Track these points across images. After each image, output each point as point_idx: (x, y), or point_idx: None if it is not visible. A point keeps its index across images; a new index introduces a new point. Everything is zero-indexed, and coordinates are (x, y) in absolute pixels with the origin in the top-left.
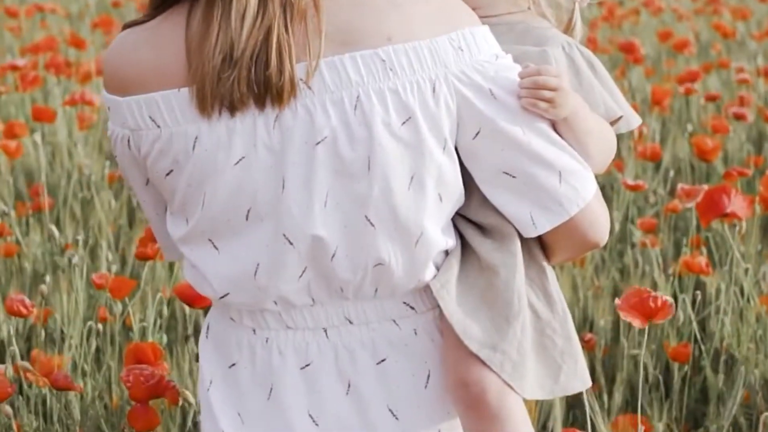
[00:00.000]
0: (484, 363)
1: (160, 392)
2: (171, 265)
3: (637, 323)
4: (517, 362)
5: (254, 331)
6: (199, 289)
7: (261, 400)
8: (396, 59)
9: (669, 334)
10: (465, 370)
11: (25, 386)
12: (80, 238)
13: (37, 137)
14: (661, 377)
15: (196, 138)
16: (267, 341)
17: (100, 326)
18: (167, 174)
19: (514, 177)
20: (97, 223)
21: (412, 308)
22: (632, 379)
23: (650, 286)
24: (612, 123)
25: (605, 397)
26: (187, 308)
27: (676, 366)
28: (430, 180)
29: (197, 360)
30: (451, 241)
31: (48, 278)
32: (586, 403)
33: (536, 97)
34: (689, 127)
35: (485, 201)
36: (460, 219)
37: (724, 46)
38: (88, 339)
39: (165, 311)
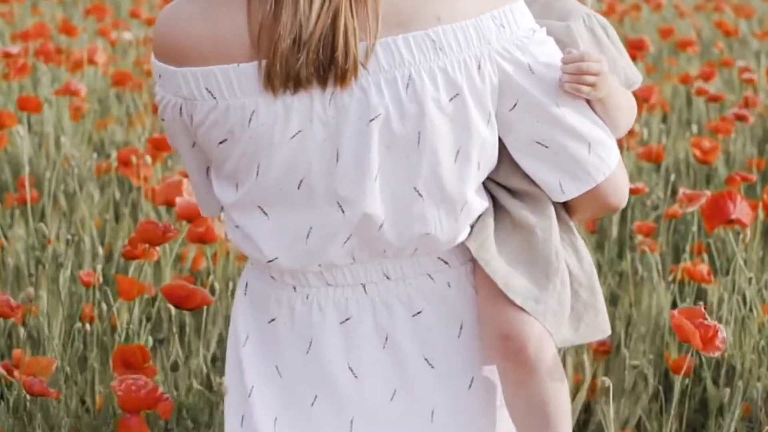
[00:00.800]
0: (522, 315)
1: (152, 404)
2: (158, 263)
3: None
4: (557, 312)
5: (294, 288)
6: (245, 251)
7: (300, 354)
8: (445, 39)
9: (669, 343)
10: (504, 323)
11: (4, 388)
12: (63, 233)
13: (21, 128)
14: (661, 387)
15: (254, 112)
16: (307, 298)
17: (87, 326)
18: (220, 142)
19: (546, 147)
20: (80, 218)
21: (446, 263)
22: (635, 389)
23: (649, 294)
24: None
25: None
26: (172, 308)
27: (676, 377)
28: (474, 152)
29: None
30: (485, 203)
31: (32, 274)
32: (599, 413)
33: (580, 82)
34: (694, 128)
35: (515, 166)
36: (490, 182)
37: (725, 44)
38: (72, 341)
39: (152, 312)
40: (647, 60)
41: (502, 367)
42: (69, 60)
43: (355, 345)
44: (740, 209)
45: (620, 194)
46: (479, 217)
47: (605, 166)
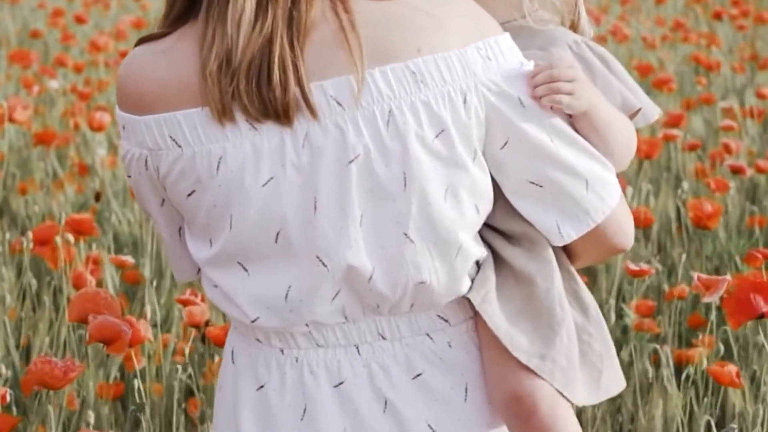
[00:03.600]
0: (534, 374)
1: None
2: None
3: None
4: (567, 369)
5: (282, 351)
6: (227, 311)
7: (294, 421)
8: (426, 71)
9: None
10: (515, 383)
11: None
12: None
13: None
14: None
15: (221, 158)
16: (297, 360)
17: None
18: (189, 194)
19: (540, 186)
20: None
21: (446, 321)
22: None
23: (660, 394)
24: (630, 117)
25: None
26: None
27: None
28: (464, 191)
29: None
30: (483, 251)
31: None
32: None
33: (555, 91)
34: (685, 186)
35: (511, 208)
36: (485, 229)
37: (704, 77)
38: None
39: None
40: None
41: (515, 429)
42: None
43: (352, 410)
44: None
45: (624, 234)
46: (479, 270)
47: (605, 206)
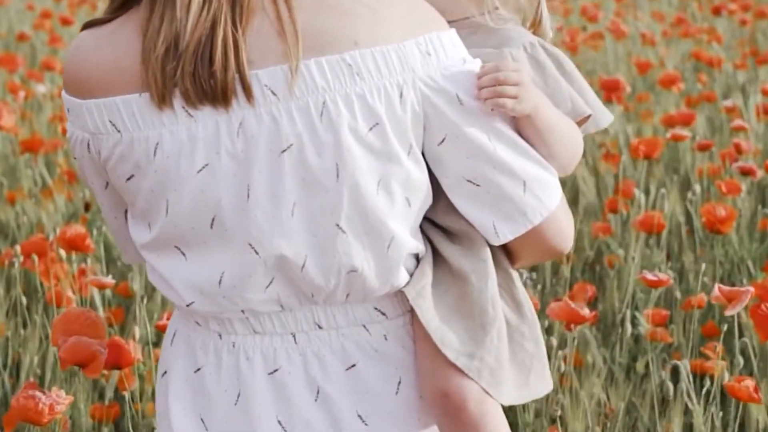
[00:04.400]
0: (462, 371)
1: None
2: None
3: None
4: (495, 369)
5: (220, 335)
6: (165, 294)
7: (228, 406)
8: (363, 64)
9: None
10: (444, 379)
11: None
12: None
13: None
14: None
15: (158, 144)
16: (234, 346)
17: None
18: (128, 179)
19: (477, 185)
20: None
21: (383, 314)
22: None
23: (681, 412)
24: (580, 123)
25: None
26: None
27: None
28: (397, 184)
29: None
30: (420, 246)
31: None
32: None
33: (499, 94)
34: (697, 189)
35: (451, 205)
36: (427, 224)
37: (706, 74)
38: None
39: None
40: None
41: (442, 426)
42: None
43: (285, 398)
44: None
45: (563, 237)
46: (418, 265)
47: (543, 208)
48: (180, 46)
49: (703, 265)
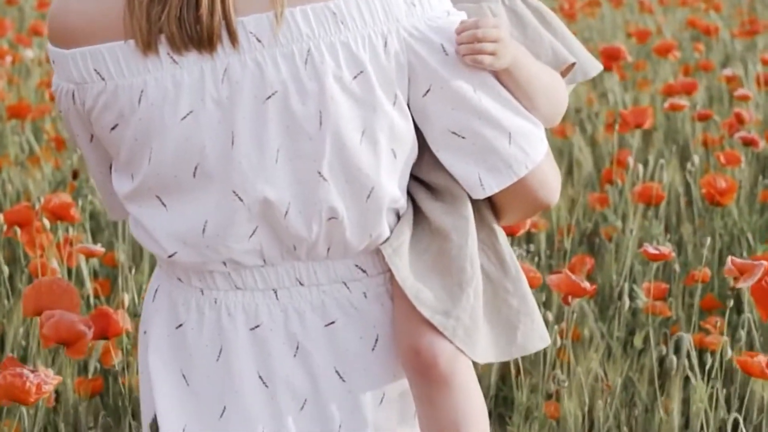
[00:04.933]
0: (436, 329)
1: None
2: None
3: None
4: (470, 327)
5: (202, 291)
6: (147, 247)
7: (209, 361)
8: (347, 12)
9: None
10: (417, 336)
11: None
12: None
13: None
14: None
15: (142, 91)
16: (216, 302)
17: None
18: (112, 128)
19: (463, 137)
20: None
21: (364, 271)
22: None
23: (681, 388)
24: (564, 73)
25: None
26: None
27: None
28: (382, 135)
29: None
30: (402, 200)
31: None
32: None
33: (478, 51)
34: (696, 159)
35: (436, 161)
36: (411, 181)
37: (703, 43)
38: None
39: None
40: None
41: (413, 383)
42: None
43: (266, 353)
44: None
45: (548, 189)
46: (398, 223)
47: (528, 160)
48: None
49: (708, 240)
